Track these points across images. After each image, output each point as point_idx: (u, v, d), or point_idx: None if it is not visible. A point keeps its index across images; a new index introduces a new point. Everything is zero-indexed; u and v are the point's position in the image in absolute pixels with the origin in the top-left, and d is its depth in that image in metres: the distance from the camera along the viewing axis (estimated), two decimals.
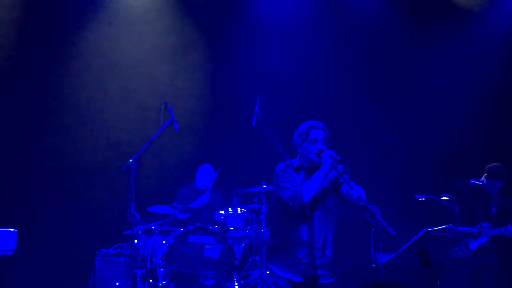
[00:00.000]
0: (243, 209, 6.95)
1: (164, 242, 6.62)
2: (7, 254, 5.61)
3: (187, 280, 6.32)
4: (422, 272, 5.35)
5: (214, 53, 8.49)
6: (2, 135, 7.45)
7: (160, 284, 6.35)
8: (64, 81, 7.92)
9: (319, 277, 4.33)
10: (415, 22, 8.52)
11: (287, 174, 4.41)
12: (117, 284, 6.65)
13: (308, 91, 8.45)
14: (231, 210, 6.92)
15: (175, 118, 7.15)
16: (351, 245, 6.01)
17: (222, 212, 6.94)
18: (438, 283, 5.77)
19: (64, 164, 7.78)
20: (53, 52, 7.83)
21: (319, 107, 7.94)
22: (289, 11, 8.59)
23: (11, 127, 7.55)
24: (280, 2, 8.63)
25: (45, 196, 7.52)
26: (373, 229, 4.35)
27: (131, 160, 6.83)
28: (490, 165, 6.37)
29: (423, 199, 6.19)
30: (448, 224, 5.16)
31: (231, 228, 6.87)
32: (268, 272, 6.25)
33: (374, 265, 4.92)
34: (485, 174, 6.39)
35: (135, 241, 6.72)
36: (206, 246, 6.51)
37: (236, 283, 6.52)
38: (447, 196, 6.12)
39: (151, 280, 6.43)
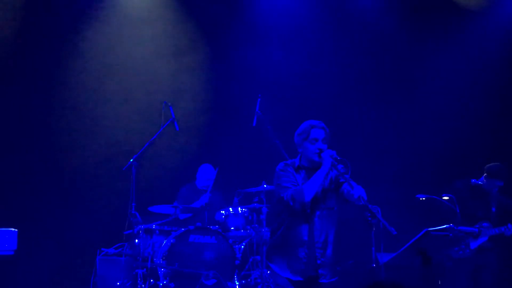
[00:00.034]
0: (243, 209, 6.95)
1: (165, 242, 6.63)
2: (8, 254, 5.62)
3: (188, 280, 6.33)
4: (422, 272, 5.35)
5: (215, 52, 8.50)
6: (3, 135, 7.45)
7: (161, 284, 6.36)
8: (65, 81, 7.92)
9: (320, 277, 4.34)
10: (415, 22, 8.52)
11: (288, 174, 4.42)
12: (118, 283, 6.65)
13: (308, 90, 8.45)
14: (231, 210, 6.93)
15: (176, 118, 7.15)
16: (352, 244, 6.01)
17: (223, 212, 6.95)
18: (439, 282, 5.78)
19: (65, 164, 7.78)
20: (53, 52, 7.83)
21: (319, 107, 7.93)
22: (289, 11, 8.60)
23: (11, 127, 7.55)
24: (280, 2, 8.63)
25: (45, 196, 7.52)
26: (374, 228, 4.35)
27: (132, 160, 6.84)
28: (490, 165, 6.37)
29: (424, 199, 6.19)
30: (448, 224, 5.16)
31: (232, 228, 6.87)
32: (268, 271, 6.24)
33: (375, 265, 4.91)
34: (485, 174, 6.39)
35: (136, 241, 6.73)
36: (207, 246, 6.52)
37: (236, 283, 6.53)
38: (448, 196, 6.13)
39: (152, 280, 6.44)
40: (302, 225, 4.34)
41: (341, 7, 8.63)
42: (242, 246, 6.96)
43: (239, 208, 6.96)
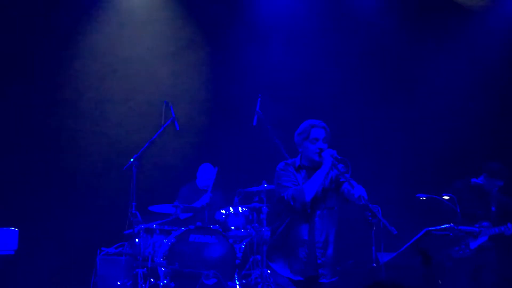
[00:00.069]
0: (244, 208, 6.96)
1: (165, 241, 6.63)
2: (9, 253, 5.62)
3: (188, 279, 6.32)
4: (423, 272, 5.35)
5: (215, 52, 8.51)
6: (3, 135, 7.45)
7: (161, 284, 6.36)
8: (65, 81, 7.93)
9: (320, 276, 4.34)
10: (416, 22, 8.53)
11: (288, 173, 4.42)
12: (118, 283, 6.65)
13: (308, 90, 8.46)
14: (232, 209, 6.93)
15: (176, 117, 7.15)
16: (353, 244, 6.02)
17: (223, 211, 6.95)
18: (439, 282, 5.78)
19: (65, 163, 7.78)
20: (53, 52, 7.83)
21: (320, 106, 7.94)
22: (289, 11, 8.60)
23: (12, 126, 7.55)
24: (280, 2, 8.64)
25: (46, 195, 7.51)
26: (374, 228, 4.36)
27: (132, 160, 6.83)
28: (489, 164, 6.38)
29: (424, 198, 6.19)
30: (449, 224, 5.17)
31: (232, 227, 6.88)
32: (269, 271, 6.25)
33: (375, 265, 4.93)
34: (484, 173, 6.40)
35: (136, 240, 6.73)
36: (207, 246, 6.52)
37: (237, 282, 6.53)
38: (448, 196, 6.13)
39: (152, 280, 6.44)
40: (303, 224, 4.34)
41: (341, 6, 8.63)
42: (243, 246, 6.96)
43: (240, 207, 6.96)
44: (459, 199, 6.08)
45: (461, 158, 8.01)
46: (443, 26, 8.53)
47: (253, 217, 6.99)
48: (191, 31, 8.46)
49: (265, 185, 6.84)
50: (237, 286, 6.50)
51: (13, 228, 5.65)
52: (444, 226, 5.03)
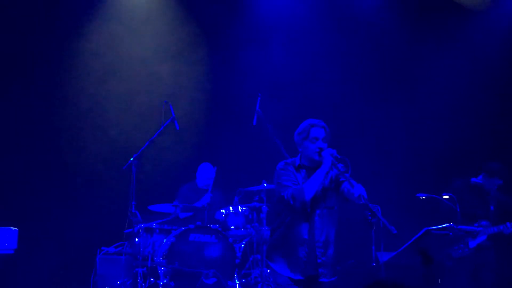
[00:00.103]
0: (244, 208, 6.96)
1: (165, 240, 6.62)
2: (8, 252, 5.63)
3: (188, 278, 6.32)
4: (423, 271, 5.35)
5: (215, 51, 8.51)
6: (3, 134, 7.45)
7: (161, 283, 6.35)
8: (65, 80, 7.93)
9: (320, 276, 4.33)
10: (416, 22, 8.52)
11: (288, 173, 4.41)
12: (118, 282, 6.64)
13: (308, 89, 8.46)
14: (232, 209, 6.93)
15: (176, 117, 7.16)
16: (352, 243, 6.02)
17: (223, 210, 6.95)
18: (439, 281, 5.78)
19: (65, 162, 7.79)
20: (54, 51, 7.83)
21: (319, 106, 7.94)
22: (289, 10, 8.60)
23: (12, 126, 7.55)
24: (280, 2, 8.64)
25: (46, 194, 7.51)
26: (374, 227, 4.35)
27: (132, 159, 6.83)
28: (488, 164, 6.39)
29: (424, 197, 6.20)
30: (449, 223, 5.17)
31: (232, 227, 6.88)
32: (269, 270, 6.25)
33: (375, 264, 4.92)
34: (483, 173, 6.40)
35: (136, 239, 6.73)
36: (207, 245, 6.52)
37: (237, 282, 6.53)
38: (448, 195, 6.14)
39: (152, 279, 6.44)
40: (303, 224, 4.33)
41: (341, 6, 8.63)
42: (242, 245, 6.96)
43: (239, 207, 6.96)
44: (459, 198, 6.08)
45: (461, 158, 8.01)
46: (443, 26, 8.53)
47: (253, 217, 6.99)
48: (191, 31, 8.46)
49: (265, 185, 6.84)
50: (237, 285, 6.50)
51: (12, 228, 5.66)
52: (444, 225, 5.03)
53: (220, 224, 6.86)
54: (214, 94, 8.48)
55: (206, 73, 8.49)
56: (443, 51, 8.55)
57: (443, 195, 6.17)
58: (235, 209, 6.93)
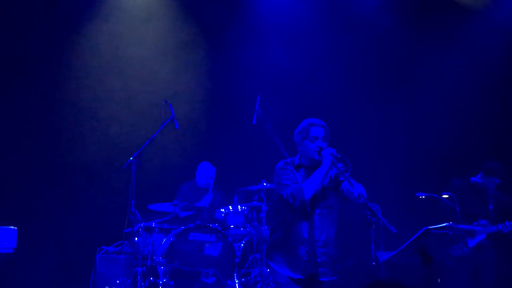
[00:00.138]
0: (243, 207, 6.95)
1: (164, 240, 6.62)
2: (8, 252, 5.63)
3: (187, 278, 6.32)
4: (422, 270, 5.36)
5: (215, 51, 8.51)
6: (3, 133, 7.45)
7: (161, 282, 6.35)
8: (65, 80, 7.93)
9: (320, 275, 4.33)
10: (416, 22, 8.52)
11: (287, 172, 4.41)
12: (118, 281, 6.64)
13: (308, 89, 8.46)
14: (231, 208, 6.93)
15: (176, 116, 7.16)
16: (352, 243, 6.02)
17: (223, 210, 6.94)
18: (439, 281, 5.79)
19: (65, 162, 7.79)
20: (54, 51, 7.83)
21: (319, 105, 7.94)
22: (289, 10, 8.60)
23: (11, 125, 7.55)
24: (280, 2, 8.64)
25: (45, 194, 7.51)
26: (373, 227, 4.36)
27: (131, 158, 6.84)
28: (487, 163, 6.39)
29: (424, 197, 6.20)
30: (448, 222, 5.18)
31: (232, 226, 6.87)
32: (268, 269, 6.25)
33: (374, 263, 4.93)
34: (481, 172, 6.41)
35: (136, 239, 6.72)
36: (207, 244, 6.51)
37: (236, 281, 6.52)
38: (447, 194, 6.14)
39: (151, 278, 6.44)
40: (302, 223, 4.33)
41: (341, 6, 8.63)
42: (242, 244, 6.96)
43: (239, 206, 6.95)
44: (458, 197, 6.08)
45: (460, 157, 8.01)
46: (443, 26, 8.53)
47: (252, 216, 6.98)
48: (191, 31, 8.47)
49: (265, 184, 6.83)
50: (236, 284, 6.50)
51: (12, 227, 5.66)
52: (444, 224, 5.04)
53: (220, 223, 6.86)
54: (214, 94, 8.47)
55: (206, 72, 8.49)
56: (443, 51, 8.55)
57: (443, 195, 6.17)
58: (235, 208, 6.92)
